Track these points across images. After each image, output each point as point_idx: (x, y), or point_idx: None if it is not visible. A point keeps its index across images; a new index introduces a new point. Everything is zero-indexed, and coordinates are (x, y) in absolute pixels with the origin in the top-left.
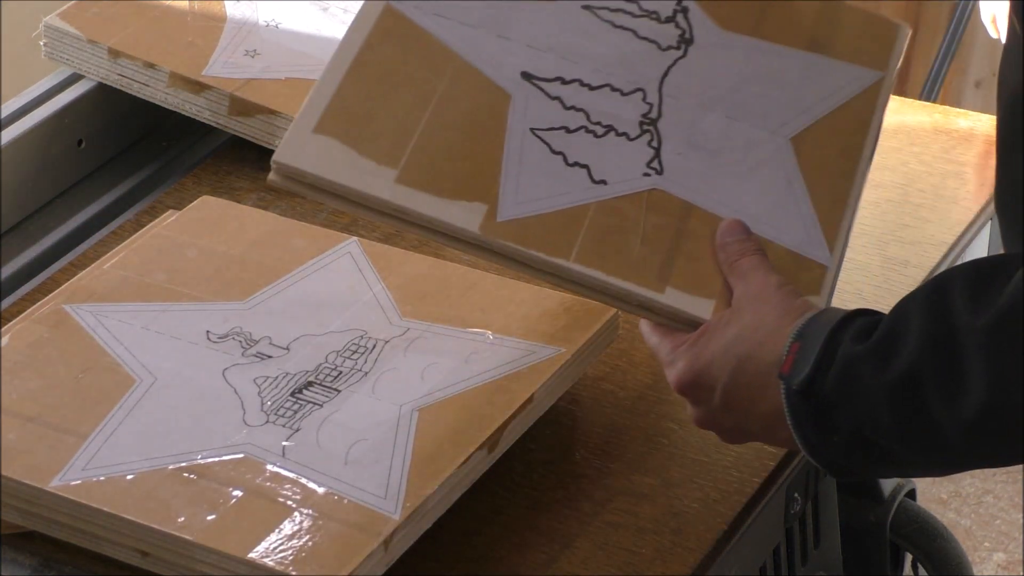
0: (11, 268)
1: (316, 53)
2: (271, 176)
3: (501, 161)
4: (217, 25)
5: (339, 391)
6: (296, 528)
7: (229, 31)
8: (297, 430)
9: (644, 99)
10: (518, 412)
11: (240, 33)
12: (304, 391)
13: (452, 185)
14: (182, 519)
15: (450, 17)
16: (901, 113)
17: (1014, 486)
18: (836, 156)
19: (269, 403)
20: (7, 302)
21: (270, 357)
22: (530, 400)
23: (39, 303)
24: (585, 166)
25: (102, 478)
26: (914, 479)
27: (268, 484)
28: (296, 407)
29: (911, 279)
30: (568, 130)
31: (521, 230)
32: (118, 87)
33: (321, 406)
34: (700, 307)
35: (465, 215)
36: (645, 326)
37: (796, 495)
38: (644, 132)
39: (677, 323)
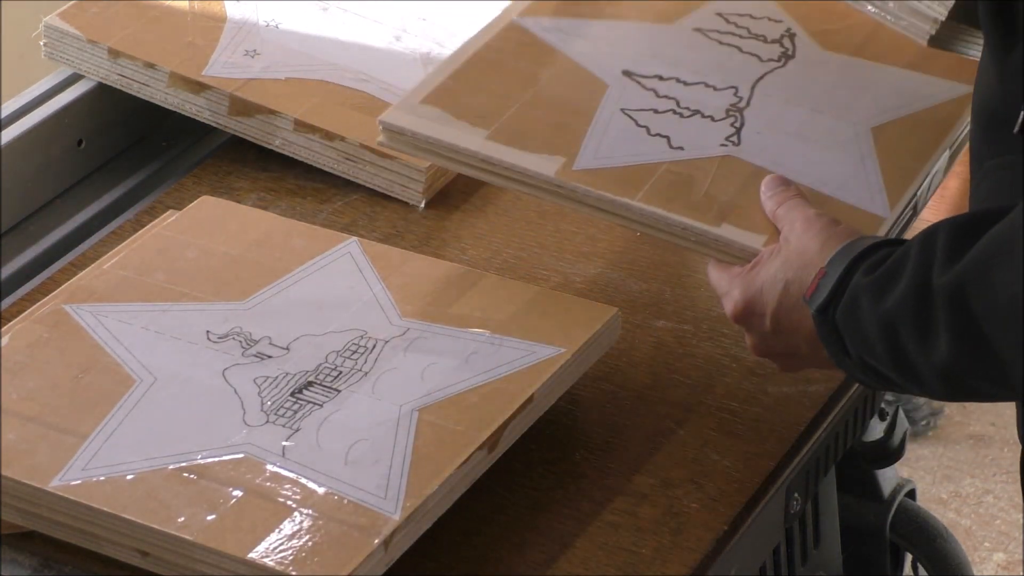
0: (11, 268)
1: (316, 53)
2: (379, 138)
3: (588, 128)
4: (217, 25)
5: (339, 391)
6: (296, 528)
7: (229, 31)
8: (297, 430)
9: (736, 93)
10: (518, 412)
11: (240, 33)
12: (304, 391)
13: (537, 143)
14: (182, 519)
15: (568, 32)
16: None
17: (1014, 486)
18: (914, 146)
19: (269, 403)
20: (7, 302)
21: (270, 357)
22: (530, 400)
23: (39, 303)
24: (666, 136)
25: (102, 478)
26: (914, 480)
27: (268, 484)
28: (296, 407)
29: None
30: (656, 111)
31: (593, 177)
32: (118, 87)
33: (321, 406)
34: (752, 240)
35: (544, 163)
36: (709, 265)
37: (796, 495)
38: (729, 116)
39: (733, 257)
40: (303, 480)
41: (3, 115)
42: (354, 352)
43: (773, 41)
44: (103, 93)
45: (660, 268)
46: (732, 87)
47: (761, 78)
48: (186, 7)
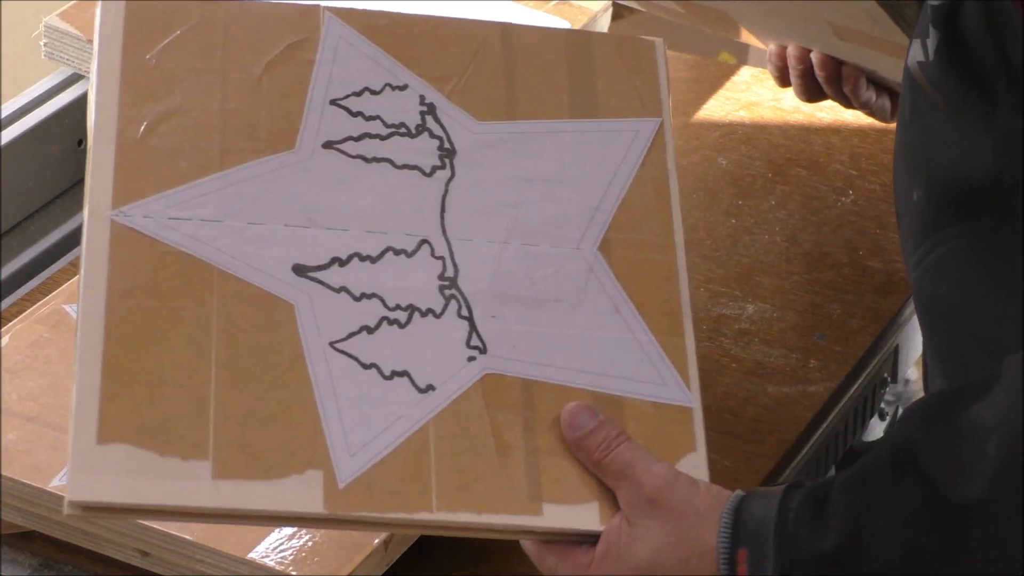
0: (11, 268)
1: None
2: (66, 514)
3: (315, 401)
4: None
5: None
6: (296, 528)
7: None
8: None
9: (432, 254)
10: None
11: None
12: None
13: (276, 457)
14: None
15: (189, 216)
16: None
17: None
18: (649, 257)
19: None
20: (7, 302)
21: None
22: None
23: (39, 303)
24: (404, 373)
25: None
26: None
27: None
28: None
29: None
30: (369, 330)
31: (369, 491)
32: None
33: None
34: (586, 517)
35: (304, 494)
36: (530, 547)
37: None
38: (448, 300)
39: (567, 538)
40: None
41: (3, 115)
42: None
43: (418, 130)
44: None
45: None
46: (423, 242)
47: (443, 210)
48: None
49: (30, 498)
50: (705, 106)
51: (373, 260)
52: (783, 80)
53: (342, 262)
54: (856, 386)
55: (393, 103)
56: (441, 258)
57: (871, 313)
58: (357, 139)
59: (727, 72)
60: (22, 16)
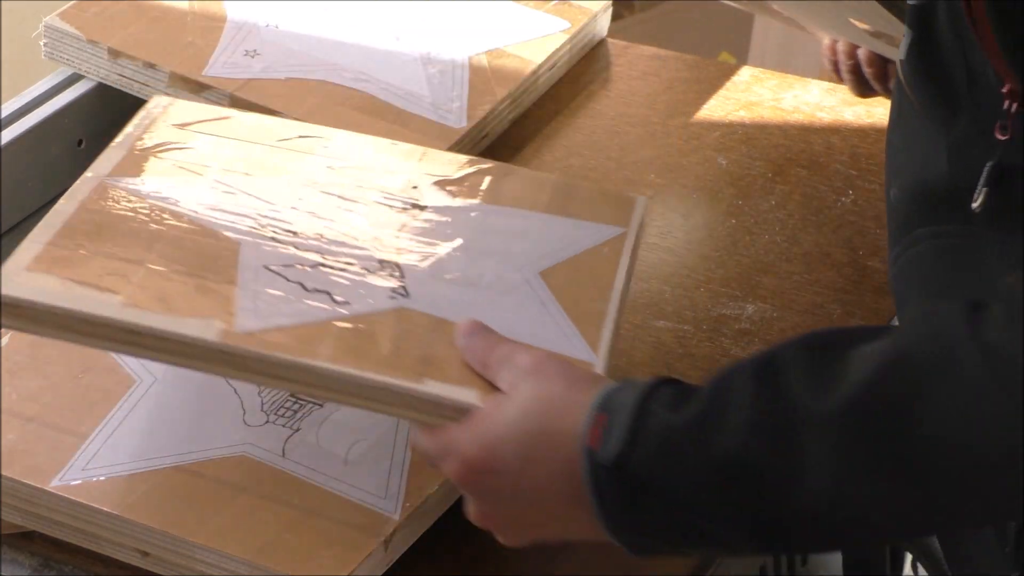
0: None
1: (316, 53)
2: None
3: (235, 289)
4: (217, 25)
5: None
6: (296, 528)
7: (229, 31)
8: (297, 430)
9: (380, 244)
10: None
11: (240, 33)
12: None
13: (183, 307)
14: (182, 519)
15: (174, 196)
16: None
17: None
18: (588, 287)
19: (269, 403)
20: None
21: None
22: None
23: None
24: (326, 292)
25: (102, 478)
26: None
27: (268, 484)
28: (296, 407)
29: None
30: (303, 265)
31: (262, 339)
32: (118, 87)
33: (321, 405)
34: (464, 395)
35: (201, 327)
36: (413, 433)
37: None
38: (385, 267)
39: (443, 418)
40: (303, 480)
41: (3, 115)
42: None
43: (400, 191)
44: (103, 93)
45: (660, 268)
46: (374, 236)
47: (402, 228)
48: (186, 7)
49: (30, 498)
50: (705, 106)
51: (328, 239)
52: (836, 74)
53: (296, 234)
54: None
55: (384, 177)
56: (390, 247)
57: (871, 313)
58: (340, 184)
59: (727, 72)
60: (22, 16)
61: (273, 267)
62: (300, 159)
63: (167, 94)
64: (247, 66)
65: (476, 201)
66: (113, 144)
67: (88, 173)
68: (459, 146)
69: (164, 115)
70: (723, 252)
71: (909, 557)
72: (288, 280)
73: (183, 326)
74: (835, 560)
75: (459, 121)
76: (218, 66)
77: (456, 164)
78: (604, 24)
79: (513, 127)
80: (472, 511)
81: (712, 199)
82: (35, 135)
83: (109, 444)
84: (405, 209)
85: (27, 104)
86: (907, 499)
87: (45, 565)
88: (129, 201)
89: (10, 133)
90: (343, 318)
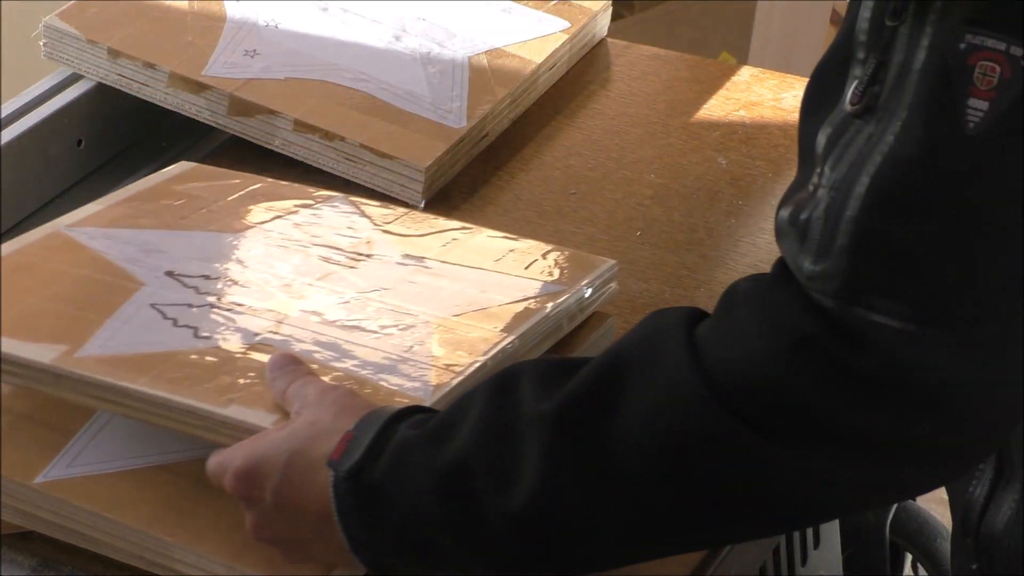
0: None
1: (316, 53)
2: None
3: (107, 320)
4: (217, 25)
5: None
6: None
7: (229, 31)
8: None
9: (289, 291)
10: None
11: (240, 33)
12: None
13: (42, 334)
14: (163, 517)
15: (117, 239)
16: None
17: None
18: (481, 332)
19: None
20: None
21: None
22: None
23: None
24: (193, 327)
25: (87, 474)
26: None
27: None
28: None
29: None
30: (191, 306)
31: (93, 363)
32: (118, 87)
33: None
34: (261, 419)
35: (39, 352)
36: (211, 459)
37: None
38: (273, 312)
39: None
40: None
41: (3, 115)
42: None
43: (349, 247)
44: (103, 93)
45: (660, 268)
46: (286, 284)
47: (323, 276)
48: (186, 7)
49: (14, 494)
50: (705, 106)
51: (239, 284)
52: None
53: (209, 278)
54: None
55: (343, 235)
56: (294, 294)
57: None
58: (293, 240)
59: (727, 72)
60: (22, 16)
61: (159, 305)
62: (275, 219)
63: (167, 94)
64: (247, 66)
65: (426, 255)
66: (99, 200)
67: (61, 220)
68: (459, 146)
69: (175, 178)
70: (723, 252)
71: (909, 557)
72: (164, 317)
73: (23, 350)
74: (835, 560)
75: (459, 121)
76: (218, 66)
77: (428, 225)
78: (604, 24)
79: (513, 127)
80: (247, 523)
81: (712, 199)
82: (35, 135)
83: (96, 442)
84: (340, 262)
85: (27, 104)
86: (601, 496)
87: (45, 565)
88: (65, 248)
89: (10, 133)
90: (193, 350)
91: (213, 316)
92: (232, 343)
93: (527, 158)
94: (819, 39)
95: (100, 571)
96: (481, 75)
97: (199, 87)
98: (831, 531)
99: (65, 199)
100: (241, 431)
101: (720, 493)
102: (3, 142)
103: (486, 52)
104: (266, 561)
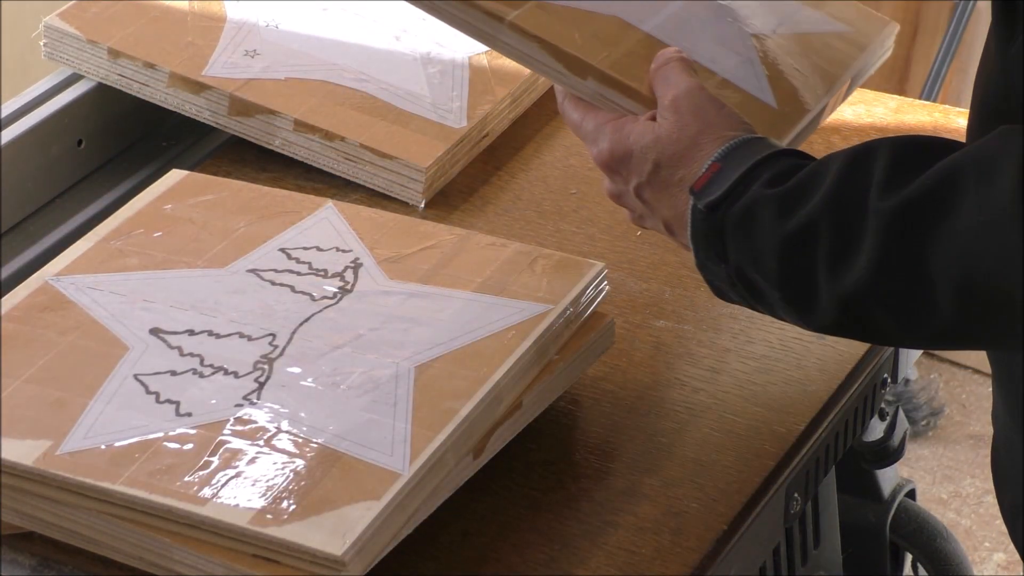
0: (11, 268)
1: (316, 53)
2: None
3: (89, 404)
4: (217, 25)
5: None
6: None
7: (229, 31)
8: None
9: (271, 342)
10: (504, 419)
11: (240, 33)
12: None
13: (24, 428)
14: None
15: (105, 288)
16: (901, 113)
17: None
18: (460, 381)
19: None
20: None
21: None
22: (518, 407)
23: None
24: (176, 402)
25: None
26: (914, 480)
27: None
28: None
29: None
30: (174, 374)
31: (75, 461)
32: (118, 87)
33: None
34: (239, 517)
35: (23, 451)
36: (566, 106)
37: (796, 495)
38: (256, 370)
39: (222, 537)
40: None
41: (3, 115)
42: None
43: (334, 275)
44: (103, 93)
45: (660, 268)
46: (269, 335)
47: (306, 320)
48: (186, 7)
49: (25, 498)
50: None
51: (219, 337)
52: None
53: (193, 333)
54: (856, 386)
55: (330, 258)
56: (276, 346)
57: None
58: (279, 272)
59: None
60: (22, 16)
61: (142, 376)
62: (258, 238)
63: (167, 94)
64: (247, 66)
65: (407, 284)
66: (88, 235)
67: (49, 268)
68: (459, 146)
69: (169, 192)
70: None
71: (909, 557)
72: (147, 391)
73: (8, 450)
74: (835, 560)
75: (459, 121)
76: (218, 66)
77: (416, 238)
78: None
79: (513, 127)
80: (605, 184)
81: None
82: (35, 135)
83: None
84: (322, 299)
85: (27, 104)
86: (919, 301)
87: (44, 565)
88: (49, 307)
89: (10, 133)
90: (171, 435)
91: (197, 386)
92: (216, 415)
93: (527, 158)
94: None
95: (100, 571)
96: (481, 75)
97: (199, 87)
98: (831, 531)
99: (65, 199)
100: (220, 529)
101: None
102: (3, 142)
103: (486, 52)
104: (265, 562)
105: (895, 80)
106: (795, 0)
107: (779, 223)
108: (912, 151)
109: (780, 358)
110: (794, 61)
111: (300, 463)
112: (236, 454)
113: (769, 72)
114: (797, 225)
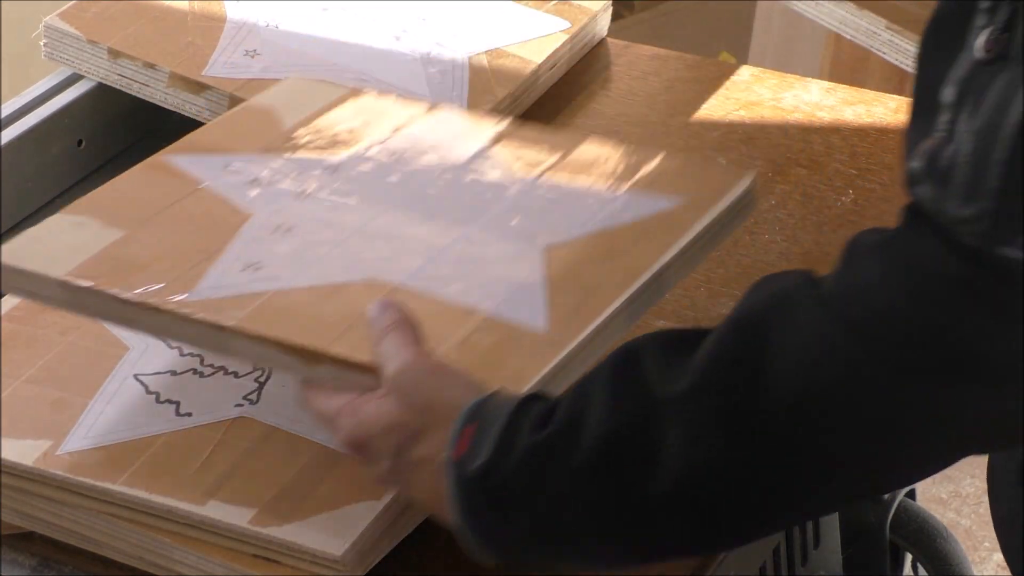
0: None
1: (316, 53)
2: None
3: (89, 404)
4: (217, 25)
5: None
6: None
7: (229, 31)
8: None
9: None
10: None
11: (240, 33)
12: None
13: (24, 427)
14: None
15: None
16: (901, 113)
17: None
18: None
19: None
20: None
21: None
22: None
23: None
24: (176, 402)
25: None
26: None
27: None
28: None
29: None
30: (174, 374)
31: (75, 461)
32: (118, 87)
33: None
34: (240, 516)
35: (23, 451)
36: (302, 396)
37: None
38: (256, 369)
39: (222, 537)
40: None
41: (3, 115)
42: None
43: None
44: (103, 93)
45: None
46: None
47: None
48: (186, 7)
49: (25, 499)
50: (705, 106)
51: None
52: None
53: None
54: None
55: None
56: None
57: None
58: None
59: (727, 72)
60: (22, 16)
61: (142, 376)
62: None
63: (167, 94)
64: (247, 66)
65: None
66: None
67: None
68: None
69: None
70: (723, 252)
71: (909, 557)
72: (147, 391)
73: (8, 450)
74: (835, 560)
75: None
76: (218, 66)
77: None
78: (604, 24)
79: None
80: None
81: None
82: (35, 135)
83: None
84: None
85: (27, 104)
86: (762, 458)
87: (44, 565)
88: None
89: (10, 133)
90: (171, 432)
91: (197, 386)
92: (212, 417)
93: None
94: (819, 39)
95: (100, 571)
96: (481, 75)
97: (199, 87)
98: (831, 531)
99: (65, 199)
100: (220, 529)
101: (889, 435)
102: (3, 142)
103: (486, 52)
104: (266, 562)
105: (895, 80)
106: (617, 182)
107: (567, 463)
108: (673, 339)
109: None
110: (592, 266)
111: (300, 463)
112: (236, 454)
113: (552, 289)
114: (585, 458)
